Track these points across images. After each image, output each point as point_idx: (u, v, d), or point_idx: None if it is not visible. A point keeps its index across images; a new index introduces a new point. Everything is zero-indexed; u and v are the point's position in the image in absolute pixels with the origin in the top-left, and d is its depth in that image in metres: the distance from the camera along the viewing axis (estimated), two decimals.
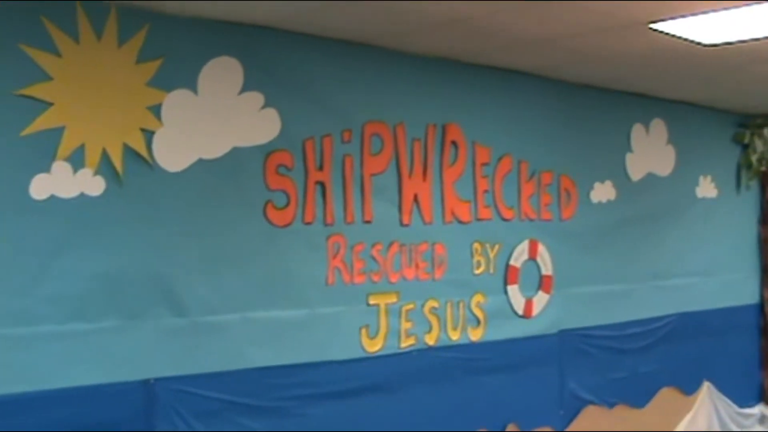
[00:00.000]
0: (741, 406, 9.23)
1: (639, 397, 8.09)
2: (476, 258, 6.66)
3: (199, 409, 5.07)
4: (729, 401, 9.06)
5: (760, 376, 9.62)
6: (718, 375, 8.93)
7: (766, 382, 9.61)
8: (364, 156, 5.93)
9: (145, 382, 4.87)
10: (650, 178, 8.22)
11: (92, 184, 4.66)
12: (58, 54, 4.53)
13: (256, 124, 5.37)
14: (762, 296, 9.60)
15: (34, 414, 4.44)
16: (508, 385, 6.81)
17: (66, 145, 4.55)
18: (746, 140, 9.28)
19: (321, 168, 5.68)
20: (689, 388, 8.65)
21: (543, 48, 6.17)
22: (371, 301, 5.98)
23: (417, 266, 6.25)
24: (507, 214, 6.89)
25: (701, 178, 8.85)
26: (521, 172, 7.00)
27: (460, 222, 6.53)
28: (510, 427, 6.86)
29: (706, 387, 8.83)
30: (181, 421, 4.99)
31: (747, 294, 9.47)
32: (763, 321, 9.59)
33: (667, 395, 8.37)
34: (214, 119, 5.16)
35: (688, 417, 8.58)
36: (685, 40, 5.91)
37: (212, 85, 5.14)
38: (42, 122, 4.47)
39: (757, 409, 9.45)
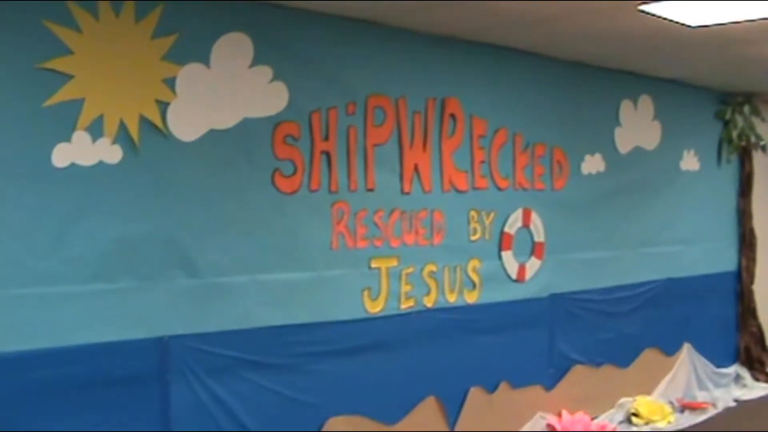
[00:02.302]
0: (718, 366, 9.25)
1: (624, 357, 8.11)
2: (473, 225, 6.65)
3: (210, 366, 5.07)
4: (707, 361, 9.08)
5: (736, 338, 9.65)
6: (697, 337, 8.95)
7: (741, 343, 9.63)
8: (367, 127, 5.90)
9: (160, 340, 4.86)
10: (637, 151, 8.20)
11: (110, 153, 4.63)
12: (78, 30, 4.49)
13: (265, 96, 5.34)
14: (740, 264, 9.62)
15: (55, 368, 4.44)
16: (501, 345, 6.82)
17: (86, 116, 4.52)
18: (727, 117, 9.27)
19: (326, 138, 5.65)
20: (670, 349, 8.67)
21: (538, 27, 6.12)
22: (373, 265, 5.97)
23: (417, 232, 6.23)
24: (502, 184, 6.86)
25: (685, 152, 8.83)
26: (516, 144, 6.97)
27: (458, 191, 6.51)
28: (502, 384, 6.87)
29: (686, 348, 8.85)
30: (194, 376, 4.99)
31: (726, 261, 9.48)
32: (740, 287, 9.62)
33: (650, 355, 8.39)
34: (225, 91, 5.13)
35: (668, 376, 8.61)
36: (672, 21, 5.87)
37: (224, 60, 5.10)
38: (63, 94, 4.44)
39: (733, 369, 9.48)
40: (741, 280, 9.61)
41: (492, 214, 6.80)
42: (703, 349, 9.01)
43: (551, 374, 7.35)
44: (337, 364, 5.74)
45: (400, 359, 6.13)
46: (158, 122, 4.81)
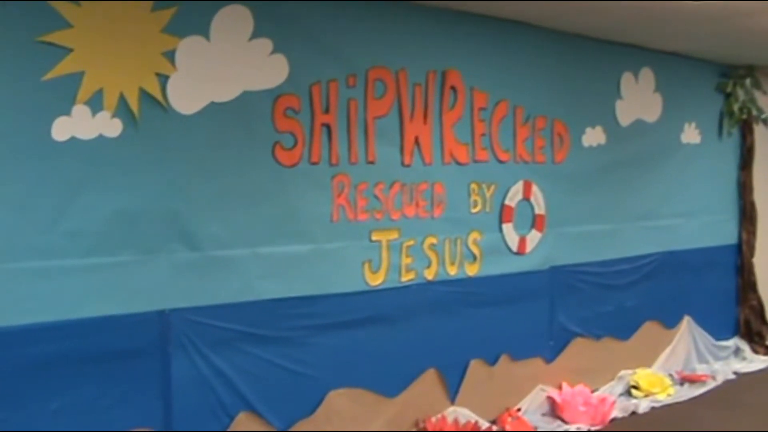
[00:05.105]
0: (717, 339, 9.25)
1: (624, 330, 8.12)
2: (473, 197, 6.65)
3: (211, 338, 5.09)
4: (707, 334, 9.08)
5: (736, 311, 9.64)
6: (697, 310, 8.95)
7: (741, 316, 9.64)
8: (368, 100, 5.89)
9: (161, 313, 4.88)
10: (638, 124, 8.17)
11: (110, 126, 4.63)
12: (77, 2, 4.47)
13: (265, 69, 5.33)
14: (740, 237, 9.60)
15: (56, 342, 4.46)
16: (502, 317, 6.83)
17: (85, 89, 4.51)
18: (729, 90, 9.23)
19: (327, 111, 5.64)
20: (670, 321, 8.68)
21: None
22: (374, 238, 5.97)
23: (417, 205, 6.23)
24: (503, 157, 6.85)
25: (686, 125, 8.80)
26: (517, 116, 6.96)
27: (459, 163, 6.50)
28: (503, 357, 6.89)
29: (686, 321, 8.86)
30: (194, 349, 5.01)
31: (726, 235, 9.46)
32: (740, 260, 9.61)
33: (650, 328, 8.40)
34: (225, 64, 5.12)
35: (668, 349, 8.62)
36: None
37: (224, 32, 5.09)
38: (63, 67, 4.44)
39: (732, 342, 9.48)
40: (741, 253, 9.60)
41: (492, 187, 6.79)
42: (703, 322, 9.02)
43: (551, 347, 7.37)
44: (337, 336, 5.75)
45: (400, 332, 6.14)
46: (158, 95, 4.81)
